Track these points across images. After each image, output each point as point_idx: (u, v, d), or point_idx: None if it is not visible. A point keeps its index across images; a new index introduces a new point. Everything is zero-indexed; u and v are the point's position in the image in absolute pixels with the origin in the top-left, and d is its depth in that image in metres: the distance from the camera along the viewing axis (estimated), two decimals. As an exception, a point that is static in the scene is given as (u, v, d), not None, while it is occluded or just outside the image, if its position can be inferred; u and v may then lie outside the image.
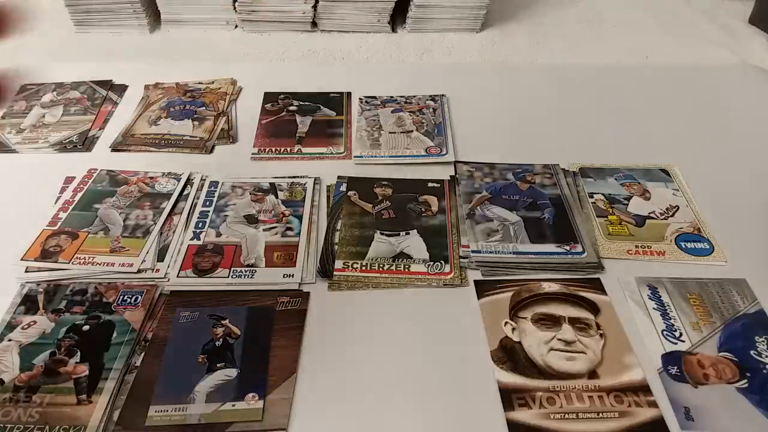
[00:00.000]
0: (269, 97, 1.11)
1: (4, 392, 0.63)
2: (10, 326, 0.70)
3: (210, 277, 0.77)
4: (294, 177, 0.93)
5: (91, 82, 1.14)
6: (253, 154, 0.98)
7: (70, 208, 0.86)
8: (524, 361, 0.67)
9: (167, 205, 0.87)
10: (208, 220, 0.85)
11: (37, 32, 1.55)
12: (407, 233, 0.83)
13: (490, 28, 1.40)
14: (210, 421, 0.62)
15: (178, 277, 0.77)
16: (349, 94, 1.13)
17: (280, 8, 1.60)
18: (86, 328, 0.71)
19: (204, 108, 1.08)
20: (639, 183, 0.92)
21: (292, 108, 1.09)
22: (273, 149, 0.99)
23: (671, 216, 0.87)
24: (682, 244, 0.82)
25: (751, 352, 0.68)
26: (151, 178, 0.92)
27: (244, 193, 0.90)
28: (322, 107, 1.09)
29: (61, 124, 1.04)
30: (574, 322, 0.71)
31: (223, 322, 0.71)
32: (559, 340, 0.69)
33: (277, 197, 0.89)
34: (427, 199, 0.89)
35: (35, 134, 1.01)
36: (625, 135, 1.04)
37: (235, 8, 1.63)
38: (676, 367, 0.67)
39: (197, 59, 1.42)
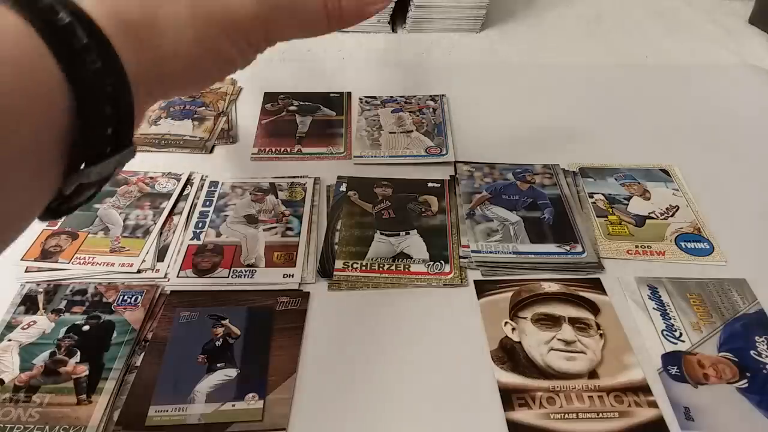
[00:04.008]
0: (269, 97, 1.11)
1: (4, 392, 0.63)
2: (10, 326, 0.70)
3: (210, 277, 0.77)
4: (294, 177, 0.93)
5: (91, 82, 1.14)
6: (253, 154, 0.98)
7: (70, 208, 0.86)
8: (524, 361, 0.67)
9: (167, 205, 0.87)
10: (208, 220, 0.85)
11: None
12: (407, 233, 0.83)
13: (490, 28, 1.39)
14: (210, 421, 0.62)
15: (178, 277, 0.77)
16: (349, 94, 1.13)
17: (280, 8, 1.60)
18: (86, 328, 0.71)
19: (204, 108, 1.08)
20: (639, 183, 0.92)
21: (292, 108, 1.09)
22: (273, 149, 0.99)
23: (671, 216, 0.87)
24: (682, 244, 0.82)
25: (751, 352, 0.68)
26: (151, 178, 0.92)
27: (244, 193, 0.90)
28: (322, 107, 1.09)
29: (61, 124, 1.04)
30: (574, 322, 0.71)
31: (223, 322, 0.71)
32: (559, 340, 0.69)
33: (277, 197, 0.89)
34: (427, 199, 0.89)
35: (35, 134, 1.01)
36: (625, 135, 1.04)
37: (235, 8, 1.62)
38: (676, 367, 0.67)
39: (197, 59, 1.42)
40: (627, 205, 0.88)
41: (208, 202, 0.88)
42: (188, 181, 0.92)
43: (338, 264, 0.79)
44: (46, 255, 0.79)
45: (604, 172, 0.95)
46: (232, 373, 0.66)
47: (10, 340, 0.69)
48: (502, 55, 1.29)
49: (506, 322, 0.72)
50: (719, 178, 0.94)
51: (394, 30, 1.36)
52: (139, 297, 0.74)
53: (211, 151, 0.99)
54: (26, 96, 0.33)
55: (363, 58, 1.26)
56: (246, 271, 0.77)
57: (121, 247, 0.80)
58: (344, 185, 0.91)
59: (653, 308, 0.74)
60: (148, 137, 1.01)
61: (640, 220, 0.86)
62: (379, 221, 0.85)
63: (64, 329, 0.70)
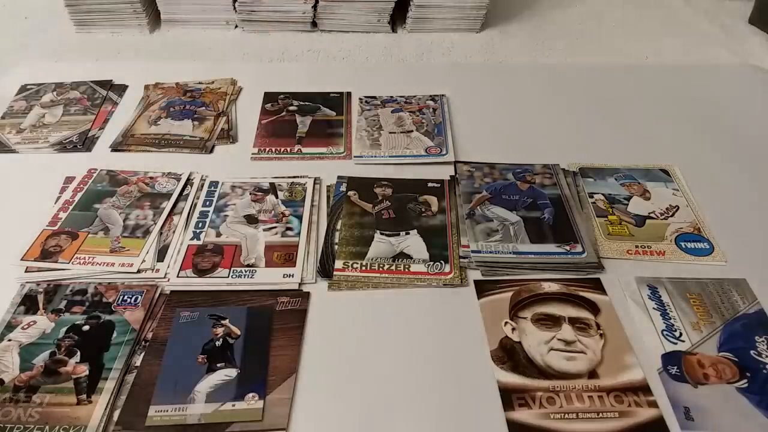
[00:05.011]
0: (269, 97, 1.11)
1: (4, 392, 0.63)
2: (10, 326, 0.70)
3: (210, 277, 0.77)
4: (294, 177, 0.93)
5: (91, 82, 1.14)
6: (253, 154, 0.98)
7: (70, 208, 0.86)
8: (524, 361, 0.67)
9: (167, 205, 0.87)
10: (208, 220, 0.85)
11: (37, 32, 1.55)
12: (407, 233, 0.83)
13: (490, 28, 1.39)
14: (210, 421, 0.62)
15: (178, 277, 0.77)
16: (349, 94, 1.12)
17: (280, 8, 1.60)
18: (86, 328, 0.71)
19: (204, 108, 1.08)
20: (639, 183, 0.92)
21: (292, 108, 1.09)
22: (273, 149, 0.99)
23: (671, 216, 0.87)
24: (682, 244, 0.82)
25: (751, 352, 0.68)
26: (151, 178, 0.92)
27: (244, 193, 0.90)
28: (322, 107, 1.09)
29: (61, 124, 1.04)
30: (574, 322, 0.71)
31: (223, 322, 0.71)
32: (559, 340, 0.69)
33: (277, 197, 0.89)
34: (427, 199, 0.89)
35: (35, 134, 1.01)
36: (625, 135, 1.04)
37: (235, 8, 1.62)
38: (676, 367, 0.67)
39: (197, 59, 1.41)
40: (627, 205, 0.88)
41: (208, 202, 0.88)
42: (188, 181, 0.92)
43: (338, 264, 0.79)
44: (46, 255, 0.78)
45: (604, 172, 0.95)
46: (232, 373, 0.66)
47: (10, 340, 0.69)
48: (502, 55, 1.29)
49: (506, 322, 0.72)
50: (719, 178, 0.94)
51: (394, 30, 1.37)
52: (139, 297, 0.74)
53: (211, 151, 0.99)
54: None
55: (363, 58, 1.26)
56: (246, 271, 0.77)
57: (121, 247, 0.80)
58: (344, 185, 0.91)
59: (653, 308, 0.74)
60: (148, 137, 1.01)
61: (640, 220, 0.86)
62: (379, 221, 0.85)
63: (64, 329, 0.70)
